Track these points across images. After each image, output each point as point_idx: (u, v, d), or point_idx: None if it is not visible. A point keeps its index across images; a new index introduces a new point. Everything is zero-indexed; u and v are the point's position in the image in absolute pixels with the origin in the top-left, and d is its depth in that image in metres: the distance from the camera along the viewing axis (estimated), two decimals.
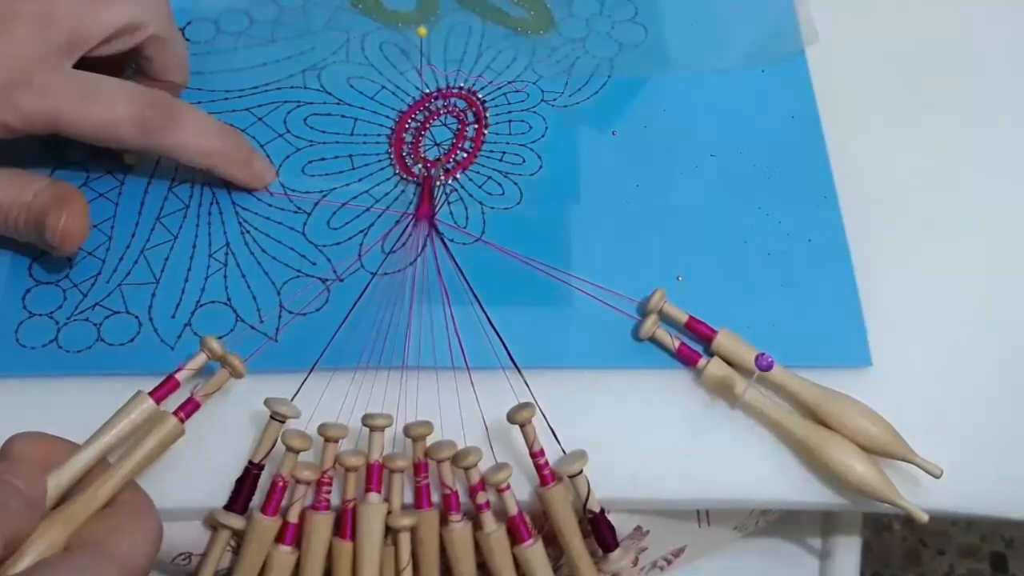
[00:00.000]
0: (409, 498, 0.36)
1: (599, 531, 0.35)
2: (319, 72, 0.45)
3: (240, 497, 0.35)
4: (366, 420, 0.35)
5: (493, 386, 0.37)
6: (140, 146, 0.38)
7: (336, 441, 0.35)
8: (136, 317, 0.38)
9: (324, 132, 0.44)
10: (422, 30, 0.44)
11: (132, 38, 0.39)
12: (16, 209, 0.37)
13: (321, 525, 0.35)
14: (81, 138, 0.37)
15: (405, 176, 0.42)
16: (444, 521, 0.35)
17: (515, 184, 0.42)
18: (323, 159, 0.43)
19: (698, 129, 0.44)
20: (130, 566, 0.30)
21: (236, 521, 0.35)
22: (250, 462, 0.35)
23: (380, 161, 0.43)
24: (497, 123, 0.44)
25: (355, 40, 0.47)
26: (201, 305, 0.39)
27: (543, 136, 0.44)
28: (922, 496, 0.36)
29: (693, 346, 0.38)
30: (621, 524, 0.39)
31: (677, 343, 0.38)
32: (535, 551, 0.35)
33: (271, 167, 0.42)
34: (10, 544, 0.29)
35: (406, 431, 0.36)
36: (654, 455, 0.37)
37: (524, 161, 0.43)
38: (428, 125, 0.44)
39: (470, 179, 0.42)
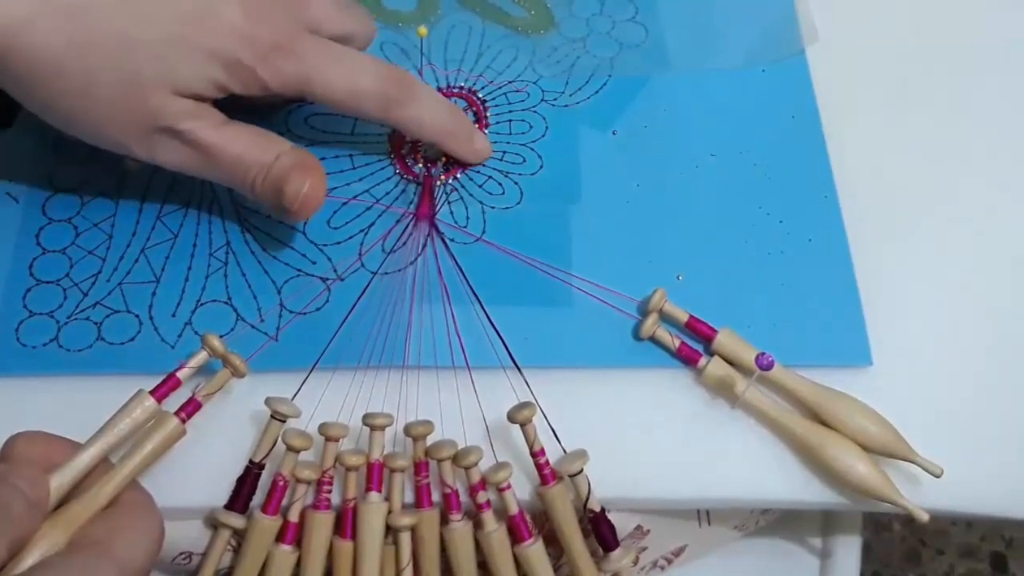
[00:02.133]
0: (410, 497, 0.36)
1: (599, 530, 0.35)
2: None
3: (241, 496, 0.35)
4: (366, 419, 0.35)
5: (493, 385, 0.37)
6: (376, 118, 0.39)
7: (337, 440, 0.35)
8: (136, 316, 0.38)
9: (324, 132, 0.44)
10: (422, 30, 0.44)
11: None
12: (256, 169, 0.37)
13: (321, 524, 0.35)
14: (325, 102, 0.37)
15: (405, 176, 0.42)
16: (444, 520, 0.35)
17: (515, 184, 0.42)
18: (323, 159, 0.43)
19: (698, 129, 0.44)
20: (131, 567, 0.30)
21: (237, 520, 0.35)
22: (251, 461, 0.35)
23: (380, 161, 0.43)
24: (497, 123, 0.44)
25: None
26: (201, 304, 0.39)
27: (543, 136, 0.44)
28: (922, 496, 0.37)
29: (693, 345, 0.38)
30: (621, 523, 0.38)
31: (677, 342, 0.38)
32: (535, 550, 0.35)
33: (489, 144, 0.43)
34: (14, 546, 0.29)
35: (406, 430, 0.36)
36: (654, 454, 0.37)
37: (524, 161, 0.43)
38: None
39: (470, 179, 0.42)
